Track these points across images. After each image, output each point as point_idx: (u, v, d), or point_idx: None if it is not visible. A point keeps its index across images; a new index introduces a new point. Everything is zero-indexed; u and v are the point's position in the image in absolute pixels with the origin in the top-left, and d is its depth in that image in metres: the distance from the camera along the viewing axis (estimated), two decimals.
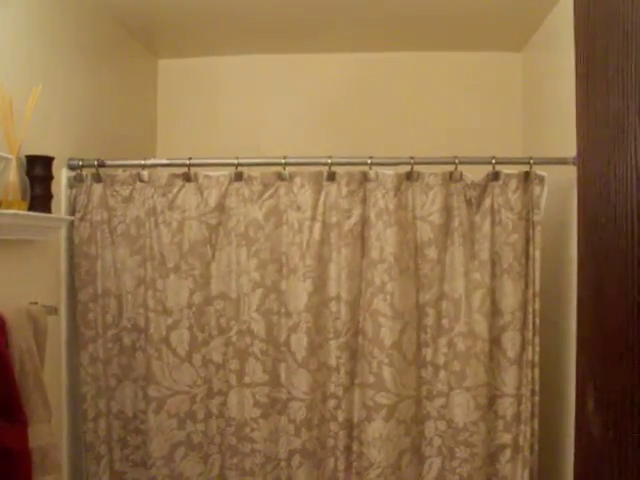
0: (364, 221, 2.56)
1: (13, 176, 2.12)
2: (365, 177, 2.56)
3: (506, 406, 2.51)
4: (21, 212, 2.13)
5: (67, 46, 2.66)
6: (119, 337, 2.64)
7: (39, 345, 2.15)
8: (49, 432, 2.09)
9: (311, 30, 3.30)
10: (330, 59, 3.59)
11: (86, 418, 2.62)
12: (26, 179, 2.24)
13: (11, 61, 2.27)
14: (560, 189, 2.61)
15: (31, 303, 2.25)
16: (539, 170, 2.54)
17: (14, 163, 2.12)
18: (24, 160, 2.27)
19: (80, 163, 2.62)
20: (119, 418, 2.66)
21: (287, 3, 2.94)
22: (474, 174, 2.56)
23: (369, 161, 2.56)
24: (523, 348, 2.51)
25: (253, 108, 3.61)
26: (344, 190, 2.56)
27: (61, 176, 2.57)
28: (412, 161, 2.54)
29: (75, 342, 2.65)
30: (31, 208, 2.24)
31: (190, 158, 2.60)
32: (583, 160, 1.09)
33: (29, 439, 1.97)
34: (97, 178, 2.63)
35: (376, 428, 2.52)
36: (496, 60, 3.53)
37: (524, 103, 3.47)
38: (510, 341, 2.50)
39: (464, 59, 3.53)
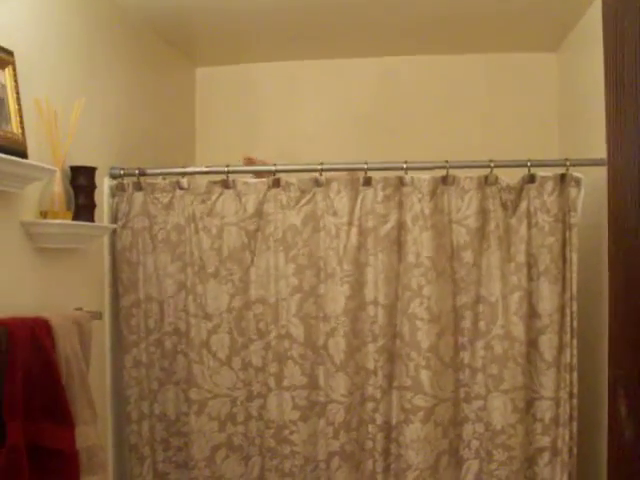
0: (400, 225, 2.58)
1: (58, 187, 2.20)
2: (401, 182, 2.59)
3: (544, 409, 2.51)
4: (66, 222, 2.21)
5: (107, 58, 2.73)
6: (161, 341, 2.70)
7: (84, 350, 2.22)
8: (95, 433, 2.16)
9: (346, 35, 3.33)
10: (365, 63, 3.61)
11: (130, 420, 2.68)
12: (70, 189, 2.31)
13: (53, 75, 2.34)
14: (597, 190, 2.59)
15: (76, 309, 2.32)
16: (575, 172, 2.54)
17: (59, 174, 2.19)
18: (68, 171, 2.34)
19: (121, 172, 2.69)
20: (162, 420, 2.71)
21: (321, 9, 2.97)
22: (510, 177, 2.57)
23: (404, 166, 2.58)
24: (561, 351, 2.50)
25: (289, 114, 3.66)
26: (380, 195, 2.59)
27: (103, 185, 2.64)
28: (447, 165, 2.56)
29: (119, 346, 2.71)
30: (75, 217, 2.31)
31: (228, 165, 2.65)
32: (613, 167, 1.10)
33: (76, 440, 2.03)
34: (138, 186, 2.69)
35: (414, 430, 2.53)
36: (531, 61, 3.52)
37: (560, 104, 3.45)
38: (547, 344, 2.50)
39: (498, 61, 3.53)
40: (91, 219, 2.41)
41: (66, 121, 2.27)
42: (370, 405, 2.59)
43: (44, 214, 2.18)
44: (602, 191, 2.53)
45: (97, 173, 2.45)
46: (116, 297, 2.71)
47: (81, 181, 2.37)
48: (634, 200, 1.01)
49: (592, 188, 2.55)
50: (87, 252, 2.52)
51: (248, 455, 2.68)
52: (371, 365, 2.58)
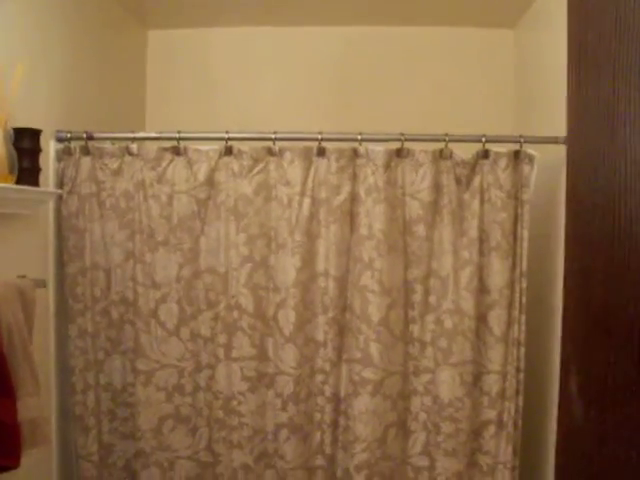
0: (353, 197, 2.56)
1: (0, 149, 2.10)
2: (355, 153, 2.56)
3: (491, 383, 2.54)
4: (9, 185, 2.11)
5: (53, 16, 2.62)
6: (107, 310, 2.64)
7: (27, 319, 2.15)
8: (38, 405, 2.10)
9: (303, 2, 3.26)
10: (321, 32, 3.56)
11: (75, 391, 2.63)
12: (14, 152, 2.22)
13: None
14: (549, 168, 2.61)
15: (19, 276, 2.24)
16: (529, 149, 2.55)
17: (1, 136, 2.09)
18: (11, 133, 2.24)
19: (68, 135, 2.60)
20: (107, 390, 2.67)
21: None
22: (464, 152, 2.56)
23: (359, 137, 2.55)
24: (509, 326, 2.53)
25: (244, 81, 3.59)
26: (334, 166, 2.56)
27: (49, 149, 2.55)
28: (402, 137, 2.54)
29: (64, 315, 2.64)
30: (19, 181, 2.22)
31: (179, 132, 2.59)
32: (572, 146, 1.09)
33: (18, 412, 1.98)
34: (85, 151, 2.61)
35: (362, 403, 2.54)
36: (488, 36, 3.51)
37: (516, 81, 3.46)
38: (497, 319, 2.53)
39: (456, 34, 3.51)
40: (35, 184, 2.32)
41: (9, 81, 2.17)
42: (319, 377, 2.59)
43: None
44: (555, 168, 2.56)
45: (42, 136, 2.36)
46: (61, 265, 2.64)
47: (25, 144, 2.27)
48: (592, 180, 1.00)
49: (544, 165, 2.57)
50: (31, 218, 2.44)
51: (195, 426, 2.66)
52: (321, 337, 2.57)
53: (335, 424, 2.60)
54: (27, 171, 2.27)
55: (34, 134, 2.31)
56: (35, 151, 2.32)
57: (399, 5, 3.26)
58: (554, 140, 2.50)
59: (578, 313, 1.04)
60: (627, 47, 0.89)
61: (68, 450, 2.70)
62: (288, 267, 2.56)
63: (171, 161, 2.61)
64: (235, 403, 2.61)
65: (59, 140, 2.60)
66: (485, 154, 2.54)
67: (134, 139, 2.62)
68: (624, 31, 0.90)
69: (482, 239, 2.54)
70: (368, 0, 3.20)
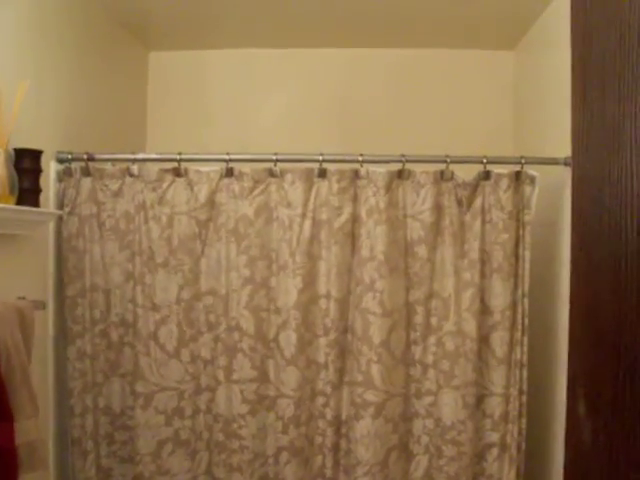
0: (354, 219, 2.55)
1: (1, 169, 2.09)
2: (356, 175, 2.56)
3: (494, 405, 2.52)
4: (9, 206, 2.11)
5: (57, 38, 2.63)
6: (107, 332, 2.62)
7: (26, 340, 2.13)
8: (36, 428, 2.08)
9: (303, 25, 3.28)
10: (322, 54, 3.57)
11: (73, 414, 2.60)
12: (14, 172, 2.22)
13: None
14: (550, 189, 2.61)
15: (18, 298, 2.23)
16: (530, 170, 2.54)
17: (2, 156, 2.09)
18: (12, 153, 2.24)
19: (69, 156, 2.60)
20: (106, 414, 2.64)
21: None
22: (465, 173, 2.56)
23: (360, 158, 2.55)
24: (512, 348, 2.51)
25: (245, 103, 3.59)
26: (335, 187, 2.55)
27: (50, 170, 2.54)
28: (403, 159, 2.54)
29: (63, 337, 2.62)
30: (19, 202, 2.21)
31: (180, 153, 2.58)
32: (578, 163, 1.08)
33: (16, 435, 1.95)
34: (86, 172, 2.60)
35: (364, 426, 2.52)
36: (488, 58, 3.52)
37: (515, 102, 3.47)
38: (499, 340, 2.51)
39: (456, 56, 3.52)
40: (36, 204, 2.31)
41: (11, 101, 2.17)
42: (320, 400, 2.56)
43: None
44: (556, 190, 2.56)
45: (43, 157, 2.35)
46: (61, 286, 2.62)
47: (26, 164, 2.27)
48: (598, 199, 0.99)
49: (545, 187, 2.57)
50: (31, 239, 2.43)
51: (195, 449, 2.63)
52: (322, 359, 2.55)
53: (336, 447, 2.57)
54: (27, 192, 2.27)
55: (35, 155, 2.30)
56: (36, 172, 2.31)
57: (400, 28, 3.28)
58: (554, 161, 2.50)
59: (586, 334, 1.03)
60: (632, 64, 0.88)
61: (65, 474, 2.66)
62: (289, 288, 2.55)
63: (172, 182, 2.60)
64: (235, 426, 2.58)
65: (60, 161, 2.60)
66: (486, 175, 2.54)
67: (135, 160, 2.62)
68: (628, 49, 0.90)
69: (484, 260, 2.53)
70: (369, 23, 3.22)
